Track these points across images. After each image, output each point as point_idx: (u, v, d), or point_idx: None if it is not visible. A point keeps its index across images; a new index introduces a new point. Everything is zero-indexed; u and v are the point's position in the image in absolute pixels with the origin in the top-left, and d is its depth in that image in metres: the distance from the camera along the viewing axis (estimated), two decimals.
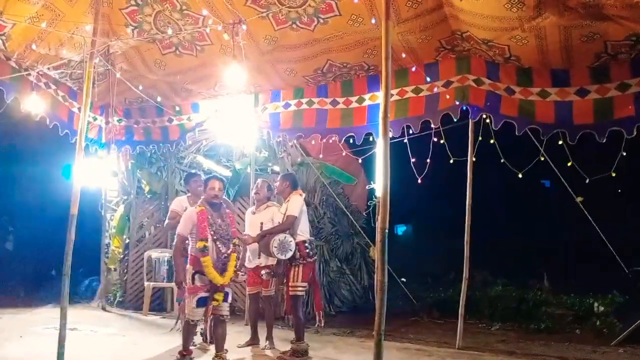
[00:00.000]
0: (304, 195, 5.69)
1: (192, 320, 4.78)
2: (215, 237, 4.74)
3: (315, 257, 5.67)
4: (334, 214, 9.06)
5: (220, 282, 4.69)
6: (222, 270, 4.72)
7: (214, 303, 4.73)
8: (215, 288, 4.71)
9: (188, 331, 4.88)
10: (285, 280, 5.56)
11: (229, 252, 4.79)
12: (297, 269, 5.38)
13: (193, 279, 4.72)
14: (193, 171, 6.83)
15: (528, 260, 11.09)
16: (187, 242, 4.88)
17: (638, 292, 6.93)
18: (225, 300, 4.78)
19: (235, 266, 4.97)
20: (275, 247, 5.22)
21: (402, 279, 8.33)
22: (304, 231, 5.49)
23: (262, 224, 5.59)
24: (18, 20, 5.29)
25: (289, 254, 5.29)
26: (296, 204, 5.46)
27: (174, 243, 5.31)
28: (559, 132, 5.37)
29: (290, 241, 5.28)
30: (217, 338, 4.88)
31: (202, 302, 4.73)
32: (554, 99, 5.31)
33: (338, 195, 8.75)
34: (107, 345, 5.91)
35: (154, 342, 6.10)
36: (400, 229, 8.13)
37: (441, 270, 11.60)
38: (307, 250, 5.41)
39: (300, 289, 5.38)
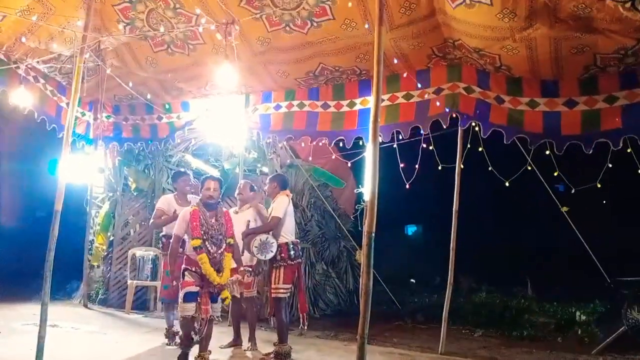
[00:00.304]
0: (290, 196, 5.66)
1: (185, 316, 4.68)
2: (204, 237, 4.71)
3: (300, 260, 5.63)
4: (322, 217, 9.06)
5: (217, 281, 4.66)
6: (217, 270, 4.69)
7: (227, 302, 4.86)
8: (216, 287, 4.70)
9: (186, 326, 4.74)
10: (267, 282, 5.54)
11: (219, 251, 4.75)
12: (278, 271, 5.34)
13: (183, 275, 4.74)
14: (182, 170, 6.78)
15: (513, 268, 11.20)
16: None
17: (619, 301, 7.01)
18: (214, 301, 4.73)
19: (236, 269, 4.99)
20: (255, 247, 5.19)
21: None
22: (288, 233, 5.44)
23: (248, 221, 5.56)
24: (9, 12, 5.23)
25: (269, 255, 5.26)
26: (281, 205, 5.41)
27: (163, 242, 5.34)
28: (547, 142, 5.43)
29: (272, 242, 5.25)
30: (206, 336, 4.78)
31: (189, 297, 4.66)
32: (542, 109, 5.38)
33: (326, 198, 8.77)
34: (88, 343, 5.84)
35: (135, 341, 6.04)
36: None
37: (427, 276, 11.67)
38: (291, 252, 5.37)
39: (282, 291, 5.35)
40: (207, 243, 4.71)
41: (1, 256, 10.36)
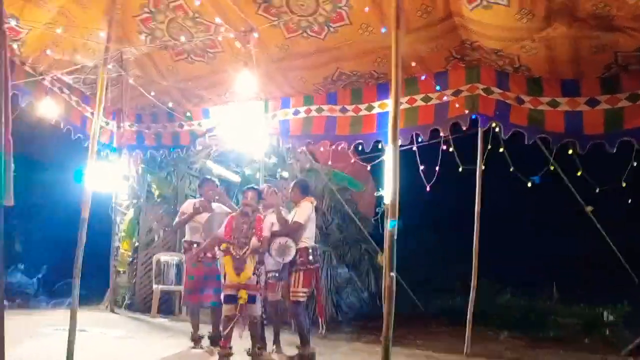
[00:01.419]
0: (315, 203, 5.73)
1: (226, 316, 5.13)
2: (232, 242, 5.15)
3: (318, 264, 5.71)
4: (342, 221, 9.09)
5: (234, 280, 5.05)
6: (238, 271, 5.06)
7: (240, 301, 5.04)
8: (237, 287, 5.07)
9: (225, 325, 5.15)
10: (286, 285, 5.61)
11: (241, 253, 5.09)
12: (298, 274, 5.41)
13: (224, 277, 5.26)
14: (207, 177, 6.86)
15: (537, 270, 11.03)
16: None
17: None
18: (252, 302, 5.08)
19: (256, 269, 5.18)
20: (274, 249, 5.28)
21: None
22: (308, 238, 5.51)
23: (272, 224, 5.63)
24: (34, 26, 5.38)
25: (288, 259, 5.33)
26: (305, 211, 5.48)
27: (185, 247, 5.97)
28: (569, 142, 5.37)
29: (291, 246, 5.33)
30: (252, 335, 5.24)
31: (227, 300, 5.11)
32: (564, 109, 5.31)
33: (346, 202, 8.79)
34: (117, 347, 5.96)
35: (161, 344, 6.15)
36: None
37: (450, 278, 11.57)
38: (310, 257, 5.44)
39: (301, 294, 5.41)
40: (232, 247, 5.14)
41: (30, 262, 10.63)
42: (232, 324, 5.08)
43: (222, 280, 5.37)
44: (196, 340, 5.94)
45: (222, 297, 5.24)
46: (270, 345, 5.88)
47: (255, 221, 5.24)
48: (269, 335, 5.93)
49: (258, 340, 5.28)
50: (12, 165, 2.07)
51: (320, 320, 5.72)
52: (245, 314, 5.11)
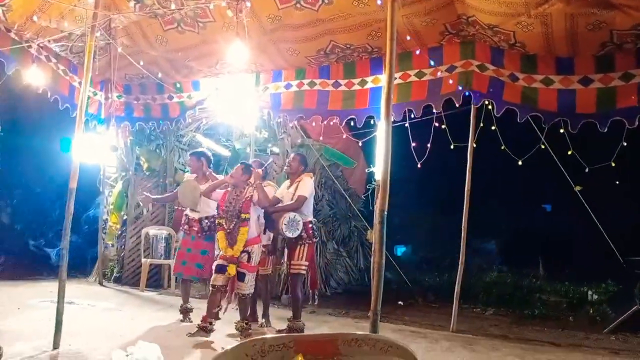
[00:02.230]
0: (313, 177, 5.74)
1: (213, 286, 5.17)
2: (224, 216, 5.23)
3: (317, 239, 5.74)
4: (332, 197, 9.10)
5: (228, 253, 5.11)
6: (230, 244, 5.13)
7: (227, 275, 5.09)
8: (228, 260, 5.10)
9: (211, 299, 5.21)
10: (287, 259, 5.61)
11: (232, 226, 5.15)
12: (302, 248, 5.44)
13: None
14: (200, 149, 6.73)
15: (525, 248, 11.18)
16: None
17: (632, 281, 7.00)
18: (241, 280, 5.11)
19: (244, 252, 5.16)
20: (284, 224, 5.26)
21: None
22: (309, 212, 5.55)
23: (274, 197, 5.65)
24: None
25: (296, 233, 5.34)
26: (308, 185, 5.51)
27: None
28: (561, 121, 5.36)
29: (299, 220, 5.34)
30: (239, 310, 5.26)
31: (217, 269, 5.16)
32: (557, 87, 5.29)
33: (337, 178, 8.78)
34: (105, 319, 5.96)
35: (151, 317, 6.15)
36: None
37: (438, 256, 11.69)
38: (312, 231, 5.47)
39: (303, 267, 5.45)
40: (224, 221, 5.22)
41: (17, 234, 10.55)
42: (217, 298, 5.13)
43: (181, 255, 5.78)
44: (184, 312, 5.95)
45: (213, 266, 5.26)
46: (259, 319, 5.93)
47: (244, 191, 5.28)
48: (258, 309, 5.97)
49: (246, 315, 5.26)
50: None
51: (312, 292, 5.79)
52: (232, 289, 5.17)
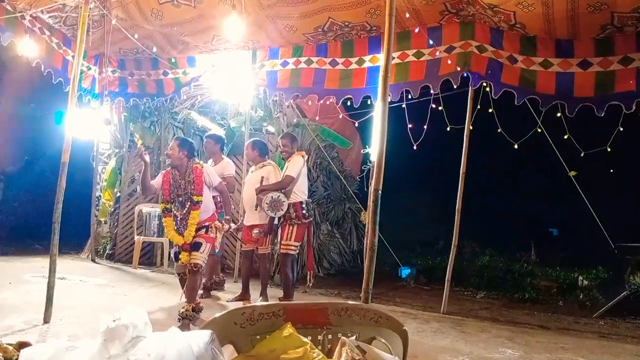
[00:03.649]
0: (306, 157, 5.69)
1: (177, 274, 4.93)
2: (172, 200, 4.70)
3: (311, 219, 5.72)
4: (327, 178, 9.06)
5: (179, 241, 4.68)
6: (181, 231, 4.66)
7: (180, 262, 4.72)
8: (182, 247, 4.69)
9: (180, 283, 4.96)
10: (279, 238, 5.60)
11: (184, 211, 4.66)
12: (291, 228, 5.43)
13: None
14: (215, 133, 6.66)
15: (517, 232, 11.22)
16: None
17: (622, 267, 7.05)
18: (196, 249, 4.65)
19: (202, 228, 4.72)
20: (266, 203, 5.24)
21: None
22: (301, 192, 5.51)
23: (262, 177, 5.59)
24: None
25: (280, 213, 5.32)
26: (296, 164, 5.47)
27: None
28: (558, 104, 5.34)
29: (284, 201, 5.30)
30: (188, 289, 4.65)
31: (175, 256, 4.80)
32: (556, 70, 5.27)
33: (332, 159, 8.74)
34: (97, 294, 5.95)
35: (143, 294, 6.15)
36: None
37: (431, 238, 11.73)
38: (303, 212, 5.44)
39: (292, 247, 5.44)
40: (172, 206, 4.69)
41: (10, 209, 10.48)
42: (184, 283, 4.79)
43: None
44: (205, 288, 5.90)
45: (172, 254, 4.97)
46: (256, 297, 5.94)
47: (193, 173, 4.70)
48: (253, 288, 5.97)
49: (193, 296, 4.62)
50: None
51: (308, 273, 5.80)
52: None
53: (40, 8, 5.89)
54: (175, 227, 4.67)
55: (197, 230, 4.67)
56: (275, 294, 6.14)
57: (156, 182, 4.81)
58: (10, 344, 2.24)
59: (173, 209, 4.69)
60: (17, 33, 6.04)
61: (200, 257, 4.64)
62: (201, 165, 4.81)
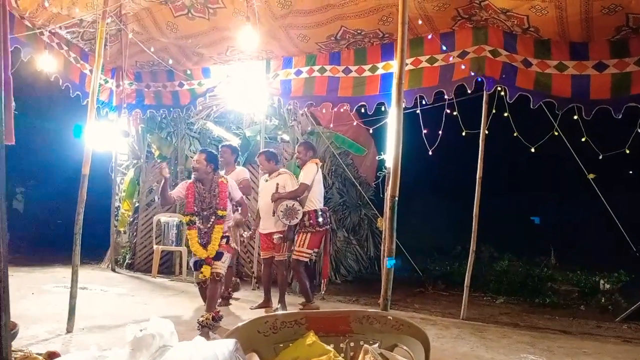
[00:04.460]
0: (320, 164, 5.74)
1: (197, 283, 4.98)
2: (196, 213, 4.75)
3: (328, 227, 5.76)
4: (343, 185, 9.07)
5: (202, 255, 4.71)
6: (205, 244, 4.71)
7: (201, 276, 4.73)
8: (205, 260, 4.73)
9: (202, 295, 5.01)
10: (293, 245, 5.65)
11: (208, 225, 4.72)
12: (305, 235, 5.48)
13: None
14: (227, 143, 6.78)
15: (536, 236, 11.10)
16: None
17: None
18: (217, 259, 4.72)
19: (223, 238, 4.78)
20: (281, 211, 5.31)
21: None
22: (316, 200, 5.56)
23: (277, 185, 5.65)
24: None
25: (294, 221, 5.39)
26: (310, 172, 5.53)
27: None
28: (574, 107, 5.30)
29: (298, 209, 5.36)
30: (209, 297, 4.71)
31: (197, 266, 4.80)
32: (571, 73, 5.23)
33: (347, 166, 8.75)
34: (118, 304, 6.02)
35: (163, 302, 6.22)
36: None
37: (448, 244, 11.65)
38: (319, 219, 5.47)
39: (304, 255, 5.48)
40: (197, 219, 4.75)
41: (31, 220, 10.67)
42: (204, 291, 4.87)
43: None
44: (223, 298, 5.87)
45: (191, 263, 4.94)
46: (275, 304, 5.96)
47: (219, 187, 4.77)
48: (274, 295, 5.99)
49: (213, 305, 4.66)
50: (13, 104, 2.01)
51: (323, 281, 5.82)
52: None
53: (59, 24, 6.02)
54: (199, 240, 4.73)
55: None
56: (294, 300, 6.16)
57: (175, 192, 4.87)
58: (40, 354, 2.29)
59: (197, 222, 4.74)
60: (37, 49, 6.17)
61: (222, 267, 4.73)
62: (226, 180, 4.89)
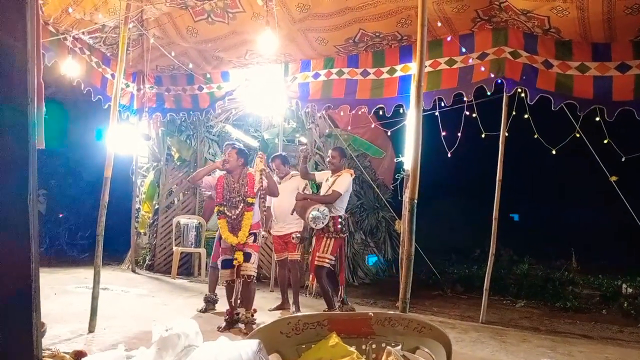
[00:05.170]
0: (354, 175, 5.79)
1: (225, 281, 5.13)
2: (224, 203, 5.09)
3: (347, 234, 5.80)
4: (360, 187, 9.07)
5: (233, 241, 4.98)
6: (235, 231, 5.01)
7: (235, 262, 4.95)
8: (234, 248, 4.99)
9: (227, 293, 5.15)
10: (311, 249, 5.65)
11: (237, 212, 5.03)
12: (329, 241, 5.49)
13: (220, 241, 5.27)
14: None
15: (557, 240, 10.94)
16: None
17: None
18: (247, 260, 4.96)
19: (251, 235, 5.04)
20: (312, 215, 5.34)
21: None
22: (341, 207, 5.60)
23: (298, 188, 5.75)
24: None
25: (320, 226, 5.42)
26: (346, 182, 5.58)
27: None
28: (597, 109, 5.23)
29: (327, 215, 5.40)
30: (245, 298, 5.04)
31: (225, 264, 5.07)
32: (593, 74, 5.15)
33: (365, 169, 8.75)
34: (139, 304, 6.10)
35: (182, 303, 6.29)
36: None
37: (467, 247, 11.56)
38: (340, 226, 5.51)
39: (327, 260, 5.47)
40: (226, 208, 5.08)
41: (53, 222, 10.86)
42: (234, 291, 5.00)
43: (218, 245, 5.48)
44: (208, 301, 5.87)
45: (219, 262, 5.17)
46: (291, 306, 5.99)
47: (247, 177, 5.11)
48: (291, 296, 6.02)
49: (251, 304, 5.06)
50: (44, 109, 2.06)
51: (340, 288, 5.80)
52: (238, 275, 4.97)
53: (82, 30, 6.13)
54: (229, 228, 5.03)
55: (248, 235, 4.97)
56: (310, 303, 6.18)
57: (207, 180, 5.24)
58: (67, 353, 2.33)
59: (226, 211, 5.06)
60: (60, 53, 6.29)
61: (252, 268, 5.00)
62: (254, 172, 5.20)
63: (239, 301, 5.05)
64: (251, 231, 5.04)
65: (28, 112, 1.50)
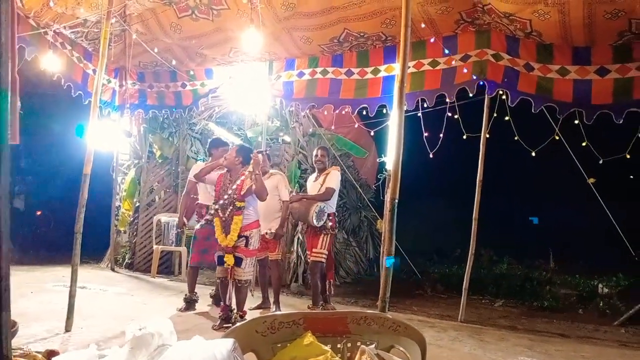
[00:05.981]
0: (340, 171, 5.88)
1: (218, 278, 5.14)
2: (218, 201, 5.02)
3: (337, 231, 5.92)
4: (343, 187, 9.06)
5: (222, 243, 4.94)
6: (225, 232, 4.95)
7: (225, 265, 4.96)
8: (225, 249, 4.96)
9: (222, 291, 5.16)
10: (308, 247, 5.80)
11: (226, 214, 4.94)
12: (325, 237, 5.62)
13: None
14: (221, 138, 6.81)
15: (535, 240, 11.10)
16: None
17: None
18: (238, 265, 4.93)
19: (242, 239, 4.93)
20: (315, 212, 5.40)
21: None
22: (334, 205, 5.70)
23: (278, 187, 5.74)
24: None
25: (321, 223, 5.52)
26: (336, 178, 5.70)
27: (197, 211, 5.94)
28: (576, 112, 5.31)
29: (327, 212, 5.51)
30: (236, 300, 5.07)
31: (219, 261, 5.05)
32: (573, 77, 5.24)
33: (348, 168, 8.76)
34: (117, 303, 6.03)
35: (162, 302, 6.23)
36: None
37: (447, 247, 11.67)
38: (333, 223, 5.68)
39: (323, 256, 5.60)
40: (219, 208, 5.00)
41: (32, 219, 10.69)
42: (227, 288, 5.02)
43: (196, 245, 5.61)
44: (188, 301, 5.77)
45: (215, 257, 5.11)
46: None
47: (239, 179, 4.98)
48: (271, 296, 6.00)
49: (243, 306, 5.10)
50: (19, 104, 2.03)
51: (328, 283, 5.87)
52: (232, 277, 4.98)
53: (64, 24, 6.04)
54: (222, 228, 4.97)
55: (239, 237, 4.91)
56: (290, 301, 6.18)
57: (211, 177, 5.24)
58: (39, 352, 2.30)
59: (219, 211, 4.98)
60: (41, 48, 6.19)
61: (242, 273, 4.96)
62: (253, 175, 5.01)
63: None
64: (244, 234, 4.91)
65: (1, 106, 1.48)
